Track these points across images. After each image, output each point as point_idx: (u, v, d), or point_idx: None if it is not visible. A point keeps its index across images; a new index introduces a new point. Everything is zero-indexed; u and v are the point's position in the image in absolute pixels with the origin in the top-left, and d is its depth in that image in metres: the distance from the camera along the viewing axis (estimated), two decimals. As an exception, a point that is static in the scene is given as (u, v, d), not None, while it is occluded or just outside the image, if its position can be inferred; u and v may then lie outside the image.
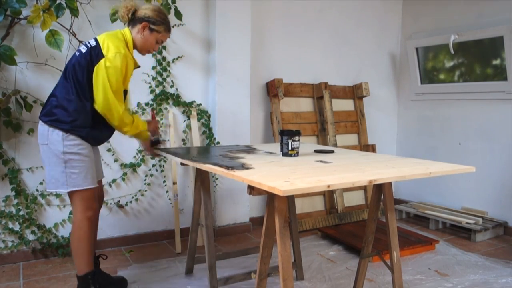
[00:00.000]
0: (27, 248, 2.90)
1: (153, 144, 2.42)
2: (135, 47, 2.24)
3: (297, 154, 2.14)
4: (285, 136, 2.13)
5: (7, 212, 2.82)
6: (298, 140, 2.15)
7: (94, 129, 2.14)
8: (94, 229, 2.26)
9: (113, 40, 2.11)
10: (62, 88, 2.11)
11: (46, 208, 2.95)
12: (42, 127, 2.12)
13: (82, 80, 2.07)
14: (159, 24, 2.21)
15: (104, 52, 2.06)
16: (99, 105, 2.07)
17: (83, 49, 2.12)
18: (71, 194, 2.14)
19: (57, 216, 2.98)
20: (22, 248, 2.89)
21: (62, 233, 3.00)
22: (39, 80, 2.86)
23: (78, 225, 2.14)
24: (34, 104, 2.84)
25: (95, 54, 2.06)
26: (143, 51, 2.27)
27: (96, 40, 2.12)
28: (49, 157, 2.09)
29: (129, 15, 2.19)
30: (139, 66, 2.28)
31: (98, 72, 2.04)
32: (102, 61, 2.04)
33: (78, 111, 2.07)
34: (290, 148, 2.13)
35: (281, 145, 2.16)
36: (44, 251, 2.95)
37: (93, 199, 2.17)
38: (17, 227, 2.85)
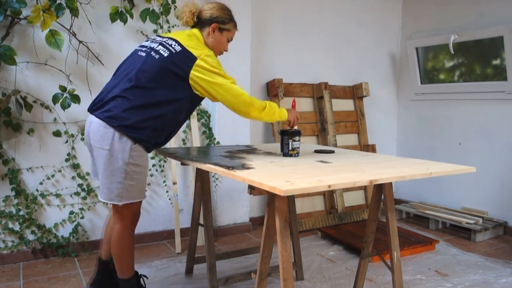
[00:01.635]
0: (27, 248, 2.90)
1: (291, 137, 2.16)
2: None
3: (297, 154, 2.14)
4: (285, 136, 2.13)
5: (7, 212, 2.82)
6: (299, 140, 2.14)
7: (161, 139, 1.99)
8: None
9: (194, 39, 2.00)
10: (136, 92, 1.88)
11: (46, 208, 2.95)
12: (105, 129, 1.86)
13: (163, 85, 1.90)
14: (228, 22, 2.09)
15: (195, 54, 1.91)
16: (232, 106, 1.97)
17: (164, 51, 1.93)
18: (122, 205, 1.98)
19: (57, 216, 2.98)
20: (22, 248, 2.89)
21: (62, 233, 3.00)
22: (39, 80, 2.86)
23: (125, 234, 2.03)
24: (34, 104, 2.84)
25: (184, 58, 1.90)
26: (215, 53, 2.10)
27: (176, 41, 1.95)
28: (107, 165, 1.88)
29: (195, 19, 2.08)
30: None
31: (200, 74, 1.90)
32: (198, 62, 1.89)
33: (150, 120, 1.89)
34: (290, 148, 2.12)
35: (282, 145, 2.15)
36: (44, 251, 2.95)
37: (139, 211, 2.10)
38: (17, 227, 2.85)
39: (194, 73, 1.89)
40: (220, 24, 2.06)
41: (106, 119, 1.85)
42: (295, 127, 2.19)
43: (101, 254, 2.27)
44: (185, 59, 1.90)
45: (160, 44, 1.96)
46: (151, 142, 1.93)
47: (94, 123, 1.90)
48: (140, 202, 2.05)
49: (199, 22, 2.08)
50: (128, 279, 2.12)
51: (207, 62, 1.90)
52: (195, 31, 2.07)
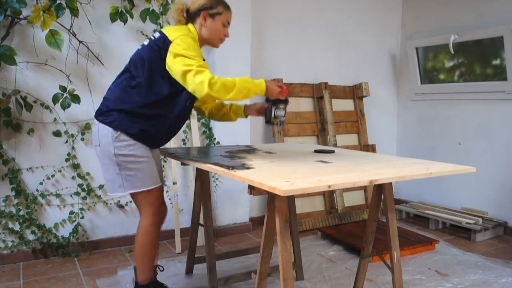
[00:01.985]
0: (27, 248, 2.90)
1: (274, 104, 2.01)
2: (205, 42, 2.06)
3: (280, 123, 2.04)
4: (269, 102, 2.04)
5: (7, 212, 2.82)
6: (284, 109, 2.02)
7: (147, 127, 1.95)
8: (158, 235, 2.15)
9: (180, 30, 1.93)
10: (117, 84, 1.97)
11: (46, 208, 2.95)
12: (94, 127, 1.99)
13: (143, 70, 1.90)
14: (216, 5, 2.01)
15: (170, 38, 1.87)
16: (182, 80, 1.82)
17: (146, 42, 1.98)
18: (135, 197, 2.00)
19: (57, 216, 2.98)
20: (22, 248, 2.89)
21: (62, 233, 3.00)
22: (39, 80, 2.86)
23: (146, 230, 1.99)
24: (34, 104, 2.84)
25: (161, 43, 1.88)
26: (215, 42, 2.06)
27: (160, 31, 1.95)
28: (103, 159, 1.96)
29: (185, 15, 2.04)
30: (203, 60, 2.02)
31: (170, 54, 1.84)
32: (171, 46, 1.85)
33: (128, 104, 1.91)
34: (273, 116, 2.02)
35: (265, 113, 2.07)
36: (44, 251, 2.95)
37: (159, 201, 2.03)
38: (17, 227, 2.85)
39: (168, 56, 1.85)
40: (208, 10, 2.00)
41: (95, 114, 1.98)
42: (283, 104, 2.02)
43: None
44: (163, 43, 1.88)
45: (149, 38, 2.01)
46: (132, 128, 1.89)
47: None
48: (158, 193, 2.01)
49: (190, 17, 2.04)
50: (144, 285, 2.05)
51: (179, 45, 1.83)
52: (189, 25, 2.03)
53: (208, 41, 2.06)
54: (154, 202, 2.01)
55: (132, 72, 1.94)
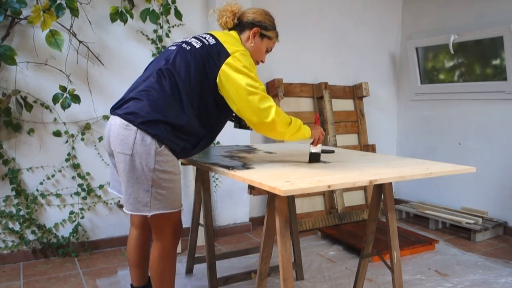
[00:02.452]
0: (27, 248, 2.90)
1: (312, 159, 1.94)
2: None
3: (250, 128, 2.01)
4: None
5: (7, 212, 2.82)
6: None
7: (190, 143, 1.79)
8: (144, 269, 2.04)
9: (237, 42, 1.82)
10: (159, 88, 1.71)
11: (46, 208, 2.95)
12: (126, 131, 1.67)
13: (192, 80, 1.72)
14: (271, 29, 1.93)
15: (230, 50, 1.73)
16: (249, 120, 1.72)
17: (196, 43, 1.78)
18: (156, 218, 1.76)
19: (57, 216, 2.98)
20: (22, 248, 2.89)
21: (62, 233, 3.00)
22: (39, 80, 2.86)
23: (167, 253, 1.82)
24: (34, 104, 2.84)
25: (216, 52, 1.73)
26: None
27: (214, 37, 1.80)
28: (131, 171, 1.69)
29: (235, 20, 1.90)
30: None
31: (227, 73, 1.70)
32: (231, 59, 1.71)
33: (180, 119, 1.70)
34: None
35: (236, 117, 2.04)
36: (44, 251, 2.95)
37: (181, 223, 1.88)
38: (17, 227, 2.85)
39: (223, 69, 1.70)
40: (262, 30, 1.89)
41: (126, 115, 1.67)
42: (319, 146, 1.96)
43: (132, 281, 2.08)
44: (217, 53, 1.73)
45: (194, 37, 1.84)
46: (177, 144, 1.72)
47: (114, 126, 1.71)
48: (179, 213, 1.84)
49: (239, 24, 1.91)
50: None
51: (240, 61, 1.71)
52: (233, 32, 1.90)
53: None
54: (176, 224, 1.84)
55: (176, 77, 1.71)
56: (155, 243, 1.82)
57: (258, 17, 1.90)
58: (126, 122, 1.67)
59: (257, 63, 1.95)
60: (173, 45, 1.86)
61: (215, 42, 1.76)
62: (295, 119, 1.81)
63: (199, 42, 1.78)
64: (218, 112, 1.82)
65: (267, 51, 1.98)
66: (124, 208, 1.78)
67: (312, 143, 1.96)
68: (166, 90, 1.69)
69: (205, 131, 1.80)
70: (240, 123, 2.07)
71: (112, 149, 1.74)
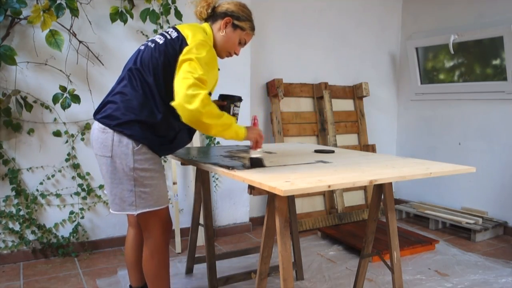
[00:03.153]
0: (27, 248, 2.90)
1: (254, 164, 1.81)
2: (214, 46, 1.87)
3: (236, 121, 2.01)
4: (228, 100, 2.00)
5: (7, 212, 2.82)
6: (239, 107, 2.05)
7: (167, 139, 1.80)
8: (139, 273, 2.04)
9: (199, 33, 1.77)
10: (130, 88, 1.73)
11: (46, 208, 2.95)
12: (104, 134, 1.72)
13: (160, 76, 1.72)
14: (244, 20, 1.89)
15: (188, 41, 1.71)
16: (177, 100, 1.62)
17: (160, 39, 1.79)
18: (143, 216, 1.78)
19: (57, 216, 2.98)
20: (22, 248, 2.89)
21: (62, 233, 3.00)
22: (39, 80, 2.86)
23: (158, 249, 1.82)
24: (34, 104, 2.84)
25: (179, 45, 1.72)
26: (222, 52, 1.91)
27: (177, 30, 1.80)
28: (113, 173, 1.72)
29: (209, 10, 1.89)
30: (219, 69, 1.89)
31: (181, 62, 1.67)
32: (185, 50, 1.68)
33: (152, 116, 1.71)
34: (231, 114, 2.02)
35: (222, 110, 2.06)
36: (44, 251, 2.95)
37: (169, 219, 1.87)
38: (17, 227, 2.85)
39: (181, 57, 1.68)
40: (234, 20, 1.87)
41: (102, 119, 1.72)
42: (259, 149, 1.94)
43: (131, 282, 2.09)
44: (179, 45, 1.72)
45: (161, 33, 1.85)
46: (154, 142, 1.74)
47: (94, 130, 1.77)
48: (167, 209, 1.85)
49: (213, 15, 1.90)
50: None
51: (193, 47, 1.68)
52: (204, 24, 1.89)
53: (217, 48, 1.89)
54: (164, 220, 1.83)
55: (145, 76, 1.73)
56: (146, 241, 1.84)
57: (231, 7, 1.89)
58: (103, 126, 1.72)
59: (229, 54, 1.93)
60: (142, 45, 1.88)
61: (177, 35, 1.76)
62: (228, 116, 1.74)
63: (162, 38, 1.79)
64: None
65: (241, 43, 1.94)
66: (110, 209, 1.81)
67: (251, 147, 1.94)
68: (137, 90, 1.72)
69: (179, 126, 1.79)
70: None
71: (94, 153, 1.80)
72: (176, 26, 1.84)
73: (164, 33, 1.83)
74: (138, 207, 1.74)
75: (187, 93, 1.59)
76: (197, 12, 1.92)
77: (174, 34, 1.78)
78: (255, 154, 1.94)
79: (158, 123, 1.73)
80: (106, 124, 1.71)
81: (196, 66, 1.65)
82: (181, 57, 1.67)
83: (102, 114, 1.75)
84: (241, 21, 1.89)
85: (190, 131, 1.90)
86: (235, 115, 2.02)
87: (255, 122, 2.03)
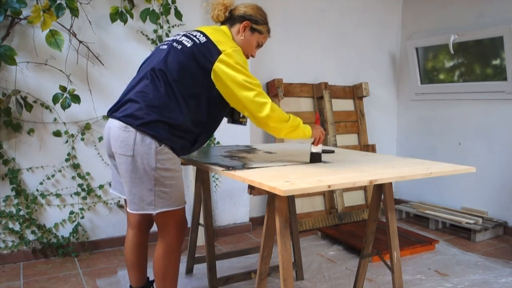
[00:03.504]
0: (27, 248, 2.90)
1: (313, 159, 1.93)
2: None
3: (244, 123, 2.03)
4: None
5: (7, 212, 2.82)
6: None
7: (188, 140, 1.81)
8: (142, 271, 2.05)
9: (229, 39, 1.83)
10: (154, 88, 1.73)
11: (46, 208, 2.95)
12: (126, 133, 1.70)
13: (185, 79, 1.73)
14: (262, 23, 1.93)
15: (221, 48, 1.74)
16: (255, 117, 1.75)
17: (187, 42, 1.79)
18: (161, 215, 1.77)
19: (57, 216, 2.98)
20: (22, 248, 2.89)
21: (62, 233, 3.00)
22: (39, 80, 2.86)
23: (172, 250, 1.83)
24: (34, 104, 2.84)
25: (206, 50, 1.74)
26: None
27: (204, 34, 1.80)
28: (134, 172, 1.71)
29: (227, 14, 1.91)
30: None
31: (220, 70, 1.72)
32: (225, 56, 1.72)
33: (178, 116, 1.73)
34: (241, 115, 2.00)
35: (231, 112, 2.02)
36: (44, 251, 2.95)
37: (185, 220, 1.87)
38: (17, 227, 2.85)
39: (218, 65, 1.71)
40: (252, 24, 1.90)
41: (124, 118, 1.70)
42: (320, 145, 1.95)
43: (131, 282, 2.07)
44: (209, 51, 1.74)
45: (184, 35, 1.84)
46: (176, 143, 1.75)
47: (113, 128, 1.74)
48: (183, 210, 1.84)
49: (230, 18, 1.92)
50: None
51: (233, 57, 1.72)
52: (223, 27, 1.92)
53: None
54: (180, 220, 1.84)
55: (169, 77, 1.72)
56: (160, 240, 1.84)
57: (249, 11, 1.91)
58: (125, 125, 1.70)
59: (247, 57, 1.94)
60: (164, 44, 1.86)
61: (205, 40, 1.77)
62: (295, 118, 1.83)
63: (189, 41, 1.78)
64: (213, 109, 1.82)
65: (258, 45, 1.98)
66: (128, 208, 1.79)
67: (312, 143, 1.96)
68: (160, 90, 1.72)
69: (201, 129, 1.82)
70: (233, 118, 2.05)
71: (113, 151, 1.76)
72: (202, 30, 1.84)
73: (191, 35, 1.82)
74: (157, 206, 1.73)
75: (256, 101, 1.72)
76: (214, 15, 1.93)
77: (203, 39, 1.78)
78: (315, 149, 1.95)
79: (180, 125, 1.73)
80: (128, 123, 1.69)
81: (248, 74, 1.73)
82: (225, 61, 1.71)
83: (123, 112, 1.72)
84: (259, 25, 1.93)
85: (209, 135, 1.91)
86: (244, 116, 2.00)
87: (317, 119, 2.08)
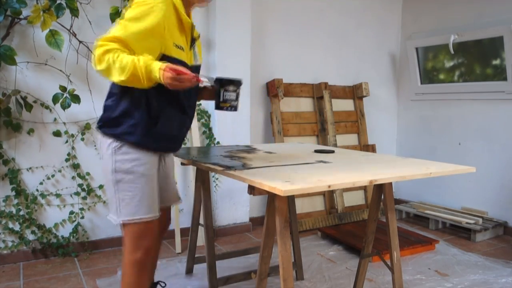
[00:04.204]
0: (27, 248, 2.90)
1: (222, 85, 1.71)
2: (193, 2, 1.73)
3: (232, 109, 1.78)
4: (217, 84, 1.75)
5: (7, 212, 2.82)
6: (234, 91, 1.76)
7: (144, 120, 1.60)
8: (149, 272, 1.82)
9: None
10: (109, 89, 1.68)
11: (46, 208, 2.95)
12: (98, 137, 1.69)
13: None
14: None
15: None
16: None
17: None
18: (124, 226, 1.61)
19: (57, 216, 2.98)
20: (22, 248, 2.89)
21: (62, 233, 3.00)
22: (39, 80, 2.86)
23: (125, 270, 1.63)
24: (34, 104, 2.84)
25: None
26: (195, 3, 1.74)
27: None
28: (103, 176, 1.65)
29: None
30: (194, 25, 1.72)
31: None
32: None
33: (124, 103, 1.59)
34: (221, 100, 1.76)
35: (216, 97, 1.79)
36: (44, 251, 2.95)
37: (146, 235, 1.61)
38: (17, 227, 2.85)
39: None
40: None
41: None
42: (205, 83, 1.62)
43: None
44: None
45: None
46: (133, 133, 1.57)
47: None
48: (146, 226, 1.60)
49: None
50: None
51: (129, 11, 1.52)
52: None
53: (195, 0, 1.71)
54: (140, 236, 1.59)
55: None
56: (124, 255, 1.66)
57: None
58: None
59: (201, 0, 1.75)
60: None
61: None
62: (140, 59, 1.43)
63: None
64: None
65: None
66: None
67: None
68: (111, 86, 1.67)
69: (156, 101, 1.60)
70: (217, 104, 1.80)
71: None
72: None
73: None
74: (121, 214, 1.58)
75: (94, 54, 1.45)
76: None
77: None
78: (204, 84, 1.67)
79: (129, 108, 1.57)
80: (97, 128, 1.68)
81: (114, 29, 1.48)
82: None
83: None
84: None
85: (180, 110, 1.68)
86: (226, 101, 1.76)
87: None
